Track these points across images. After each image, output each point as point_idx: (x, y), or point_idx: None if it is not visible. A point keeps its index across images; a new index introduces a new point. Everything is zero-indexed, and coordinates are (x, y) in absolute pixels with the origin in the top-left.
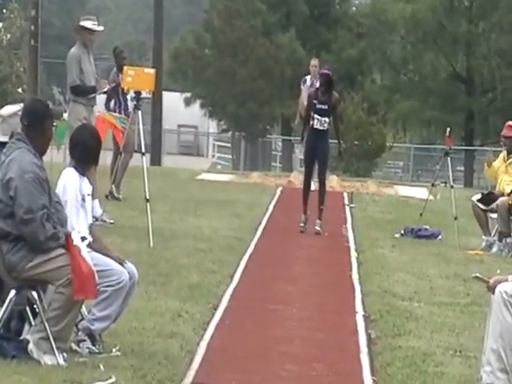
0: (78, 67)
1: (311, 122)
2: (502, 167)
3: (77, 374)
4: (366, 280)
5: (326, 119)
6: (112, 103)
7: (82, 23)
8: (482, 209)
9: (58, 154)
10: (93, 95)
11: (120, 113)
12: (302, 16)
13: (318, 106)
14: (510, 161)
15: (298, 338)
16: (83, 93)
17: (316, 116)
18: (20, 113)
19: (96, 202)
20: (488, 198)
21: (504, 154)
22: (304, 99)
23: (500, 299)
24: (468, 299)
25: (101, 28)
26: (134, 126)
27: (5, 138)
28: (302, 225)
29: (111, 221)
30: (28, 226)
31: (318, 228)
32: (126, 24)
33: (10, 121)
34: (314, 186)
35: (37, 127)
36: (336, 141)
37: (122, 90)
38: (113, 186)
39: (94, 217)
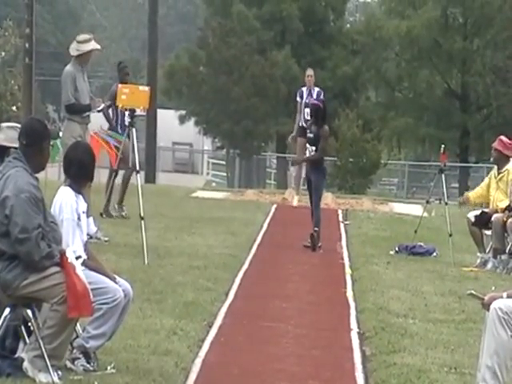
0: (72, 85)
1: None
2: (493, 184)
3: None
4: (361, 297)
5: (314, 148)
6: (110, 113)
7: (82, 48)
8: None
9: (51, 167)
10: (87, 113)
11: (116, 126)
12: (297, 33)
13: (308, 135)
14: (500, 176)
15: (293, 356)
16: (78, 111)
17: (307, 145)
18: (18, 129)
19: (91, 219)
20: (482, 219)
21: (495, 170)
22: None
23: (495, 316)
24: (463, 316)
25: (98, 46)
26: (129, 144)
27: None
28: None
29: (106, 238)
30: (23, 245)
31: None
32: (120, 42)
33: (7, 131)
34: (296, 202)
35: (35, 147)
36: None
37: None
38: (111, 204)
39: (88, 234)
